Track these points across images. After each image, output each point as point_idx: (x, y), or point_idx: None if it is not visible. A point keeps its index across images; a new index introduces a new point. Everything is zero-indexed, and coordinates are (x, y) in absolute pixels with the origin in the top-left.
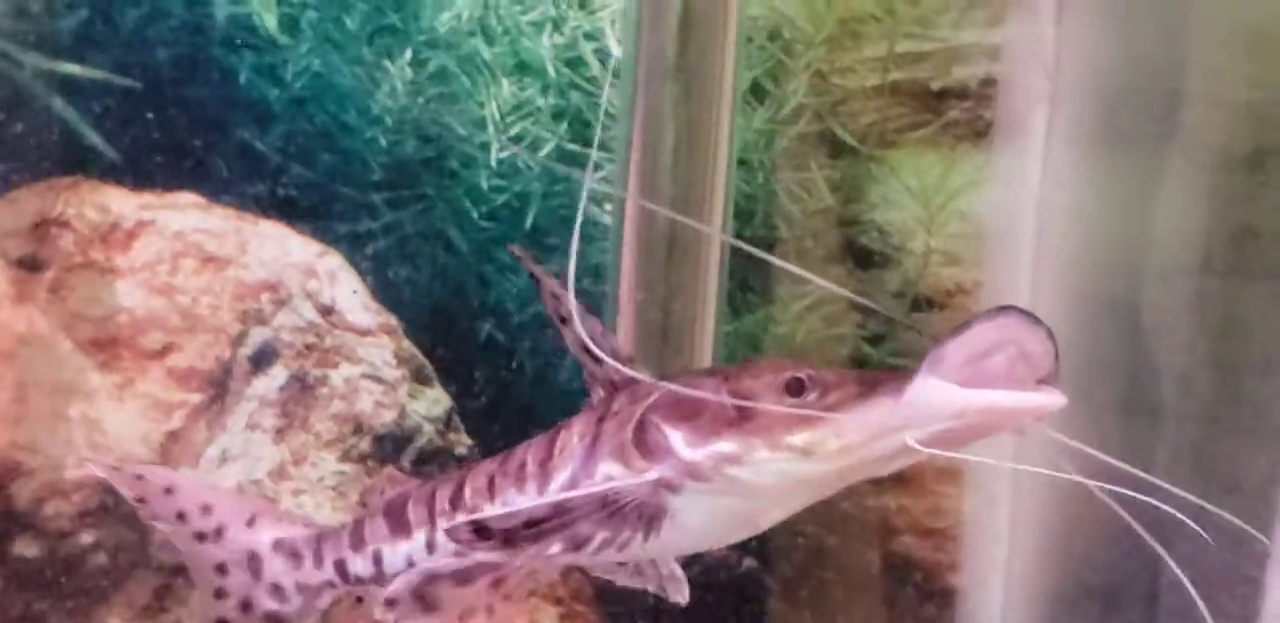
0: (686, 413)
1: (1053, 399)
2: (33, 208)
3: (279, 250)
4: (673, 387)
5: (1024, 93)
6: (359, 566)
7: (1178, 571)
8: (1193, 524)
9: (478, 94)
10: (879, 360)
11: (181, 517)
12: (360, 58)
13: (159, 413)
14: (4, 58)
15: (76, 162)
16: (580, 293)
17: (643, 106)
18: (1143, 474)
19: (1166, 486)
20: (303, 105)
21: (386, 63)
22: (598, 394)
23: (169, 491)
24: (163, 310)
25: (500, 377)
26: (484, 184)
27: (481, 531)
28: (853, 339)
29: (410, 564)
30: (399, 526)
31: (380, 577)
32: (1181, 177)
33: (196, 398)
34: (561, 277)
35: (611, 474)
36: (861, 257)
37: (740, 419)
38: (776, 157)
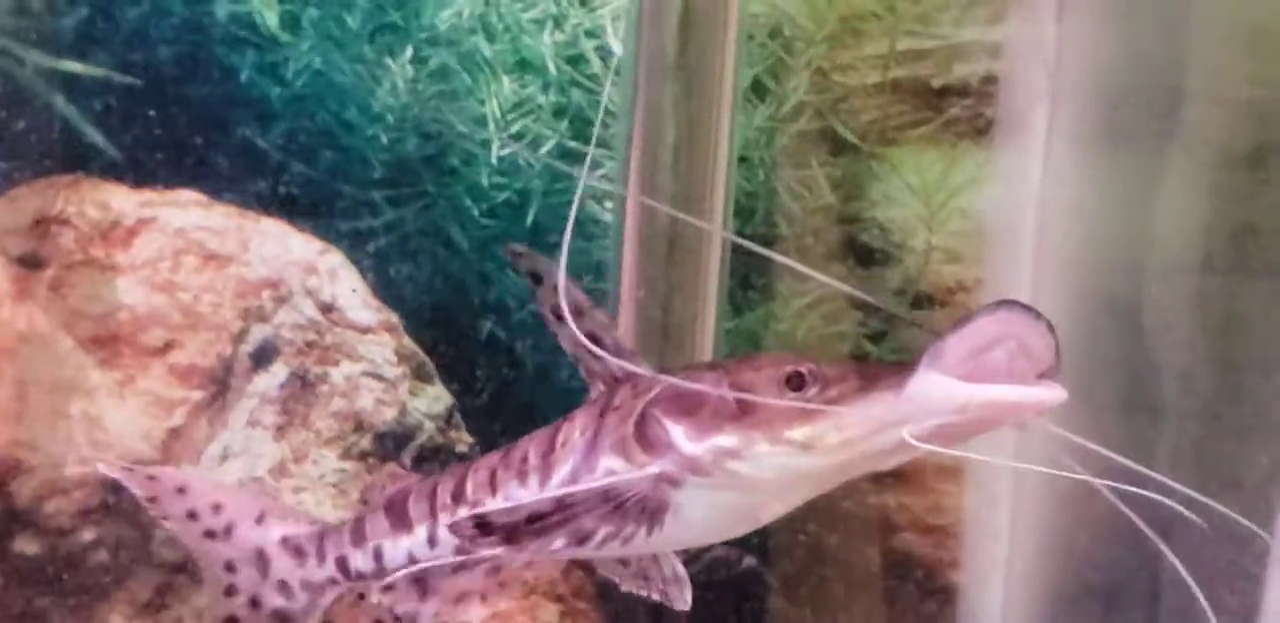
0: (687, 407)
1: (1053, 394)
2: (33, 205)
3: (280, 248)
4: (674, 381)
5: (1025, 90)
6: (360, 561)
7: (1178, 565)
8: (1192, 516)
9: (478, 91)
10: (880, 358)
11: (192, 516)
12: (361, 55)
13: (160, 410)
14: (5, 55)
15: (77, 159)
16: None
17: (643, 104)
18: (1144, 469)
19: (1166, 480)
20: (304, 103)
21: (387, 60)
22: (596, 388)
23: (181, 490)
24: (164, 308)
25: (501, 374)
26: (485, 182)
27: (484, 525)
28: (854, 337)
29: (411, 559)
30: (400, 521)
31: (381, 572)
32: (1182, 174)
33: (197, 395)
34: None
35: (613, 468)
36: (862, 254)
37: (741, 413)
38: (777, 154)
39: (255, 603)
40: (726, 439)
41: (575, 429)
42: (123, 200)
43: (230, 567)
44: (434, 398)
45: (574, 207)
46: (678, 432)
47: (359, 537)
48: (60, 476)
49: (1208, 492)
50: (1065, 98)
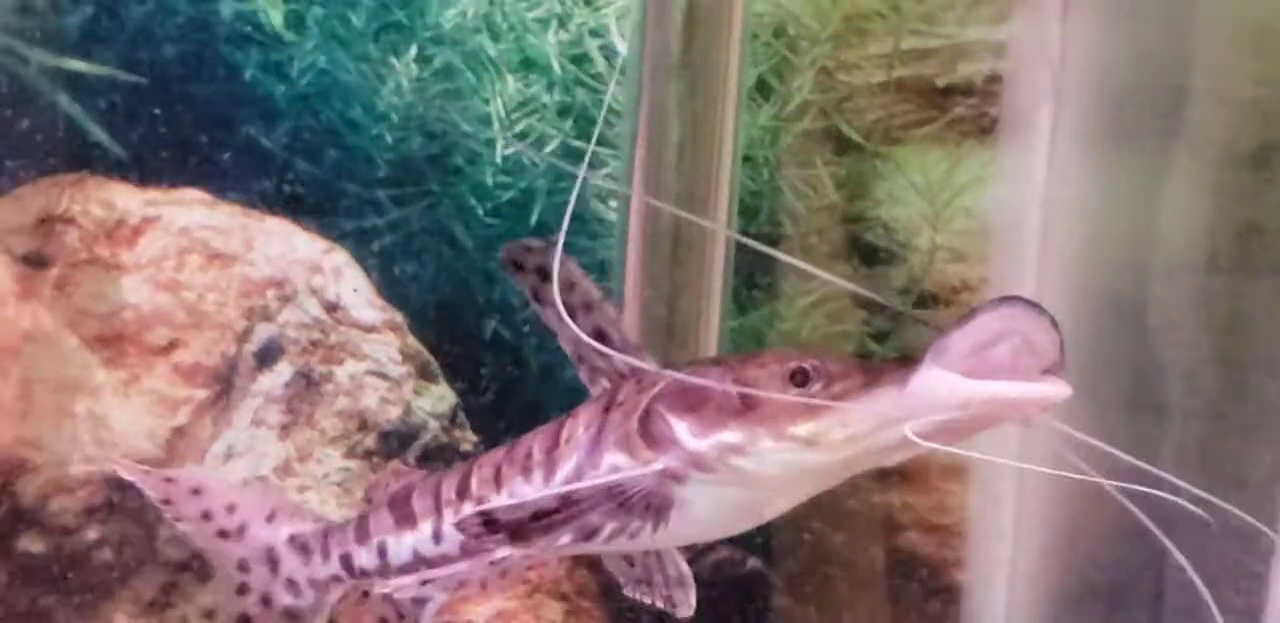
0: (692, 403)
1: (1057, 390)
2: (38, 204)
3: (285, 247)
4: (678, 376)
5: (1029, 89)
6: (364, 558)
7: (1185, 564)
8: (1199, 512)
9: (483, 91)
10: (884, 357)
11: (207, 516)
12: (366, 54)
13: (164, 409)
14: (10, 54)
15: (82, 158)
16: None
17: (648, 103)
18: (1149, 467)
19: (1170, 478)
20: (308, 102)
21: (392, 59)
22: (597, 386)
23: (196, 491)
24: (168, 307)
25: (505, 373)
26: (489, 181)
27: (490, 522)
28: (858, 336)
29: (416, 555)
30: (404, 517)
31: (385, 569)
32: (1187, 173)
33: (202, 394)
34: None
35: (617, 464)
36: (867, 253)
37: (745, 409)
38: (781, 153)
39: (267, 601)
40: (731, 435)
41: (579, 425)
42: (127, 199)
43: (243, 566)
44: (438, 397)
45: (570, 204)
46: (682, 428)
47: (363, 534)
48: (65, 474)
49: (1212, 491)
50: (1070, 97)
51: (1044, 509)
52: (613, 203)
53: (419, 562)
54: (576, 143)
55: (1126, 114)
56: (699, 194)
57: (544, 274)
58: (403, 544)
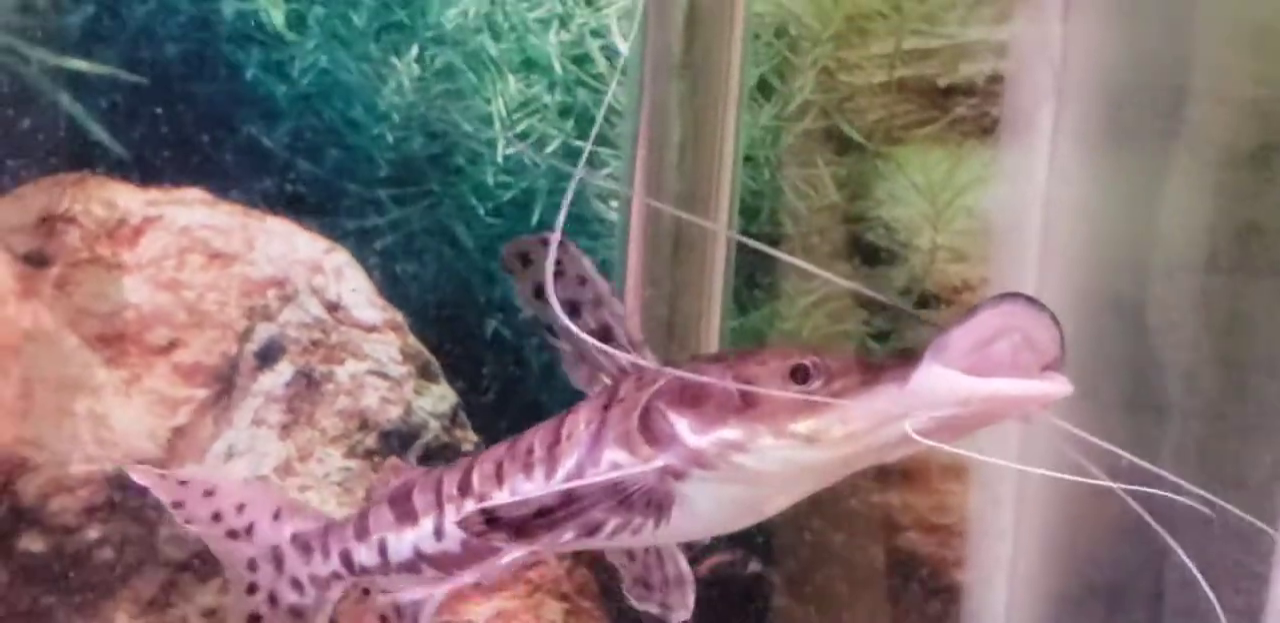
0: (692, 400)
1: (1058, 387)
2: (39, 203)
3: (286, 246)
4: (678, 373)
5: (1031, 89)
6: (363, 555)
7: (1189, 563)
8: (1202, 507)
9: (484, 90)
10: (885, 355)
11: (217, 517)
12: (367, 54)
13: (165, 409)
14: (11, 54)
15: (83, 157)
16: None
17: (649, 103)
18: (1147, 465)
19: (1170, 476)
20: (309, 101)
21: (393, 59)
22: (576, 374)
23: (209, 493)
24: (169, 306)
25: (506, 372)
26: (490, 180)
27: (493, 520)
28: (859, 335)
29: (416, 552)
30: (405, 513)
31: (386, 566)
32: (1187, 173)
33: (203, 394)
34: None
35: (618, 462)
36: (868, 253)
37: (745, 406)
38: (783, 153)
39: (273, 600)
40: (731, 432)
41: (580, 422)
42: (129, 199)
43: (252, 565)
44: (439, 397)
45: (565, 202)
46: (682, 425)
47: (362, 531)
48: (65, 473)
49: (1212, 491)
50: (1071, 97)
51: (1044, 509)
52: (614, 203)
53: (420, 558)
54: (578, 143)
55: (1127, 114)
56: (700, 194)
57: (558, 268)
58: (403, 541)
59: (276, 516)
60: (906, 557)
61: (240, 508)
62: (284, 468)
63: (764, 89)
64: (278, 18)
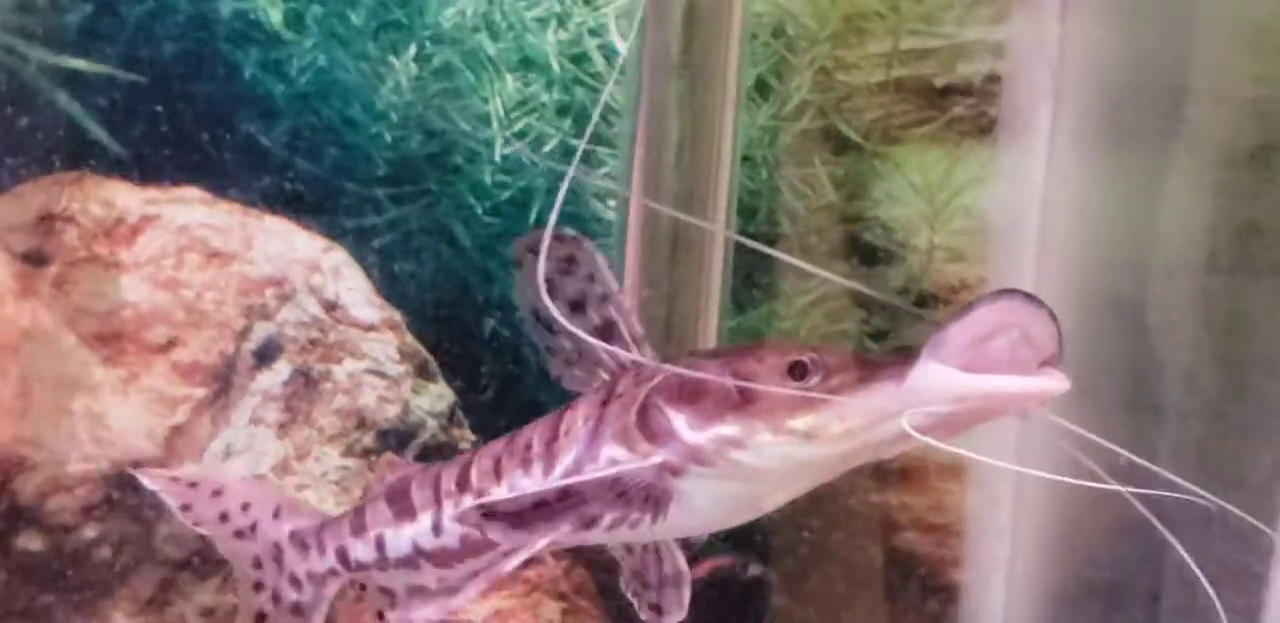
0: (690, 396)
1: (1056, 383)
2: (37, 202)
3: (284, 245)
4: (676, 369)
5: (1028, 89)
6: (360, 551)
7: (1191, 562)
8: (1201, 501)
9: (482, 89)
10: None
11: (224, 517)
12: (365, 53)
13: (163, 407)
14: (9, 52)
15: (81, 156)
16: None
17: (647, 103)
18: (1148, 464)
19: (1169, 475)
20: (307, 100)
21: (391, 58)
22: (567, 376)
23: (217, 493)
24: (167, 305)
25: (504, 372)
26: (488, 180)
27: (491, 514)
28: (856, 335)
29: (415, 548)
30: (403, 509)
31: (383, 562)
32: (1186, 173)
33: (200, 393)
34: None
35: (615, 458)
36: (865, 253)
37: (743, 402)
38: (780, 153)
39: (276, 597)
40: (729, 428)
41: (578, 418)
42: (127, 197)
43: (257, 563)
44: (437, 396)
45: (558, 201)
46: (680, 421)
47: (359, 527)
48: (63, 472)
49: (1211, 490)
50: (1069, 97)
51: (1042, 508)
52: (611, 202)
53: (418, 554)
54: (575, 142)
55: (1125, 114)
56: (698, 193)
57: (568, 265)
58: (401, 537)
59: (276, 514)
60: (904, 556)
61: (245, 507)
62: (282, 467)
63: (762, 89)
64: (276, 17)
